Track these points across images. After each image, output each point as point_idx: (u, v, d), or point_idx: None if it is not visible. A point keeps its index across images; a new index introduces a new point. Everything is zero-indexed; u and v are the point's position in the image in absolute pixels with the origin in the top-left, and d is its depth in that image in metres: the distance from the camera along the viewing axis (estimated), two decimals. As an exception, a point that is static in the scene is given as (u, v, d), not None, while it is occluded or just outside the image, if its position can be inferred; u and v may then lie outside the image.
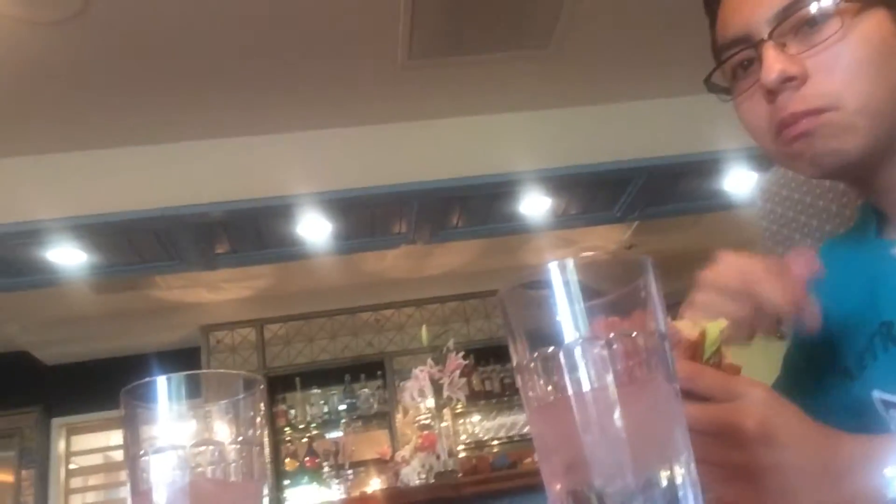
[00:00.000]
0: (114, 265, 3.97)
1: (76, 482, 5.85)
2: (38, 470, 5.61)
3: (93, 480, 5.86)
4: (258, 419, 0.55)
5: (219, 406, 0.53)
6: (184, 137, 3.53)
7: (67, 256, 3.77)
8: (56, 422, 5.79)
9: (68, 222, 3.45)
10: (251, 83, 3.22)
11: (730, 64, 0.77)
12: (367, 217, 3.90)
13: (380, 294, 5.72)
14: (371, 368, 5.89)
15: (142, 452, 0.49)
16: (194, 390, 0.53)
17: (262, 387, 0.56)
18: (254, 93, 3.29)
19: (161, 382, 0.51)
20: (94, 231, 3.56)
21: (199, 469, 0.51)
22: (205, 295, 5.29)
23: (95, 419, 5.66)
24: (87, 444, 5.89)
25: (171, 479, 0.49)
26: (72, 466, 5.89)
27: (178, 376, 0.51)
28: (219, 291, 5.27)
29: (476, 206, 3.94)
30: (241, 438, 0.53)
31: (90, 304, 4.87)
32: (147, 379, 0.51)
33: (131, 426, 0.50)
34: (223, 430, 0.53)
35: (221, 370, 0.58)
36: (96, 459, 5.97)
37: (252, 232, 3.86)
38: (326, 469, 5.53)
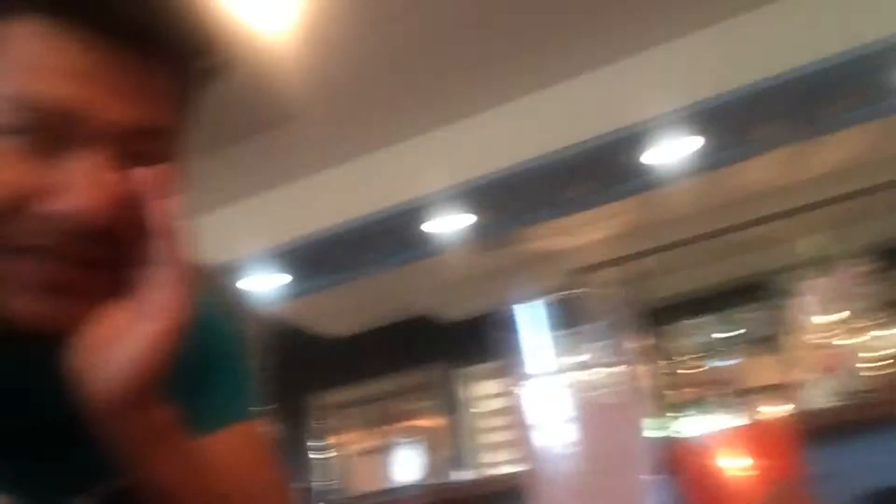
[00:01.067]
0: (483, 226, 4.28)
1: (486, 424, 6.49)
2: (451, 416, 6.37)
3: (498, 422, 6.44)
4: (633, 339, 0.51)
5: (593, 328, 0.50)
6: (536, 87, 3.64)
7: (446, 224, 4.17)
8: (460, 372, 6.47)
9: (448, 192, 3.83)
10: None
11: None
12: (730, 126, 3.58)
13: (753, 208, 5.27)
14: (753, 290, 5.52)
15: (521, 383, 0.49)
16: (568, 315, 0.50)
17: (631, 304, 0.51)
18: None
19: (532, 310, 0.50)
20: (467, 197, 3.90)
21: (582, 395, 0.48)
22: (569, 240, 5.42)
23: (492, 367, 6.19)
24: (488, 391, 6.48)
25: (552, 407, 0.48)
26: (480, 410, 6.54)
27: (550, 301, 0.50)
28: (582, 235, 5.36)
29: (863, 84, 3.33)
30: (619, 360, 0.49)
31: (468, 265, 5.32)
32: (519, 307, 0.50)
33: (503, 355, 0.50)
34: (600, 354, 0.50)
35: (590, 290, 0.55)
36: (498, 403, 6.53)
37: (603, 169, 3.83)
38: (716, 398, 5.35)
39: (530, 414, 0.48)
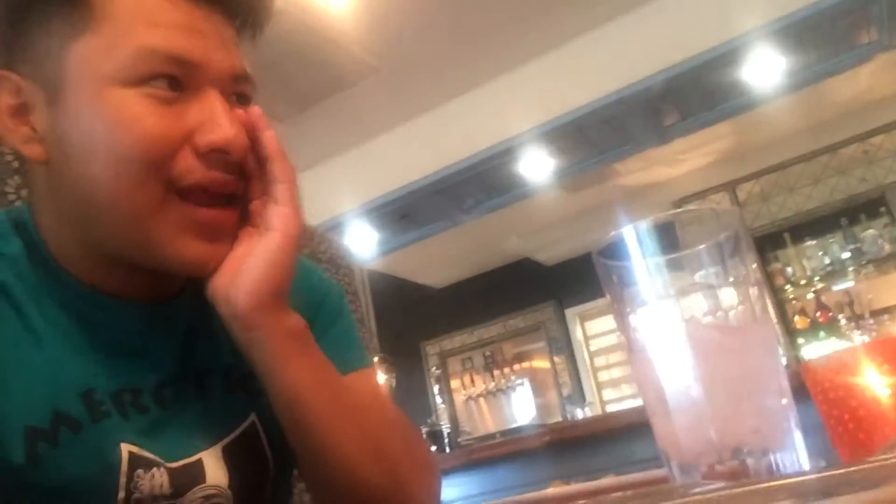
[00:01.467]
0: (575, 164, 4.19)
1: (599, 361, 6.47)
2: (566, 355, 6.37)
3: (612, 358, 6.40)
4: (747, 255, 0.48)
5: (699, 249, 0.48)
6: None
7: (537, 165, 4.10)
8: (569, 312, 6.44)
9: (535, 132, 3.76)
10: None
11: None
12: (825, 34, 3.36)
13: (862, 121, 4.94)
14: (870, 206, 5.16)
15: (628, 310, 0.47)
16: (669, 237, 0.48)
17: (744, 225, 0.49)
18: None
19: (630, 234, 0.47)
20: (556, 135, 3.81)
21: (694, 317, 0.47)
22: (667, 171, 5.24)
23: (600, 305, 6.12)
24: (600, 328, 6.43)
25: (663, 332, 0.46)
26: (592, 348, 6.51)
27: (646, 224, 0.47)
28: (680, 164, 5.16)
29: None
30: (731, 280, 0.47)
31: (566, 205, 5.24)
32: (616, 234, 0.48)
33: (611, 286, 0.48)
34: (711, 273, 0.48)
35: (700, 211, 0.53)
36: (611, 340, 6.48)
37: (696, 93, 3.66)
38: (843, 322, 5.09)
39: (647, 345, 0.47)
